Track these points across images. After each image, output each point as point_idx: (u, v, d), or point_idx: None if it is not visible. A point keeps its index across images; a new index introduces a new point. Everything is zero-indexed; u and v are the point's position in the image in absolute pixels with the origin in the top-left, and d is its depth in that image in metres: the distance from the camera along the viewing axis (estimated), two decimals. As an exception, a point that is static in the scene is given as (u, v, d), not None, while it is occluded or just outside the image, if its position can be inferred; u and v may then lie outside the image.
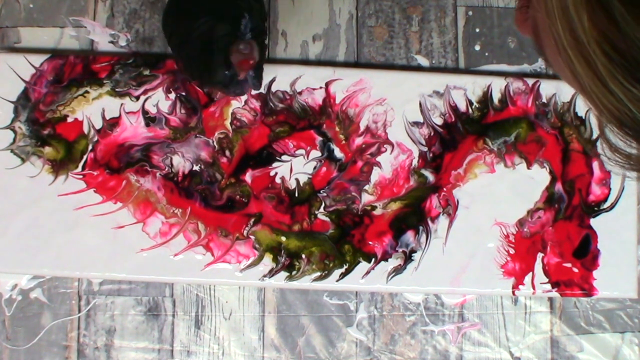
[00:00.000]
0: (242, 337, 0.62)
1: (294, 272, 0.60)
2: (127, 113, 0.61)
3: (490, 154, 0.62)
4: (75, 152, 0.61)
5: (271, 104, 0.62)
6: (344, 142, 0.62)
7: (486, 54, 0.66)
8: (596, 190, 0.62)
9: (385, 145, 0.62)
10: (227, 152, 0.61)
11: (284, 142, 0.62)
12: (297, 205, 0.61)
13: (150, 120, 0.61)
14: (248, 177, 0.61)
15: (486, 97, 0.63)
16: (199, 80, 0.55)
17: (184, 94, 0.62)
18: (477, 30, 0.67)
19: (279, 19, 0.65)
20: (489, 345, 0.62)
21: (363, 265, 0.60)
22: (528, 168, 0.62)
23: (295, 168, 0.61)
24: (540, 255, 0.61)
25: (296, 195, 0.61)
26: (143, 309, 0.62)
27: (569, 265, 0.61)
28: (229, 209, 0.60)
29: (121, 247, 0.59)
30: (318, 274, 0.60)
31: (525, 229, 0.61)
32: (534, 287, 0.60)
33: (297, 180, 0.61)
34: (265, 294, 0.62)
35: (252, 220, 0.60)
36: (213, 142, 0.61)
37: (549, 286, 0.60)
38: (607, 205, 0.62)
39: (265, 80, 0.62)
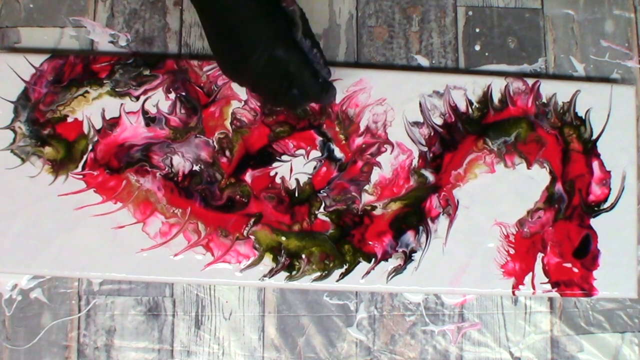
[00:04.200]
0: (242, 337, 0.62)
1: (294, 272, 0.60)
2: (127, 113, 0.61)
3: (490, 154, 0.62)
4: (75, 152, 0.61)
5: (271, 104, 0.62)
6: (344, 142, 0.62)
7: (486, 54, 0.66)
8: (596, 190, 0.62)
9: (385, 145, 0.62)
10: (227, 152, 0.61)
11: (284, 142, 0.62)
12: (297, 205, 0.61)
13: (150, 120, 0.61)
14: (248, 177, 0.61)
15: (486, 97, 0.63)
16: (288, 106, 0.57)
17: (184, 94, 0.62)
18: (477, 30, 0.67)
19: (279, 19, 0.65)
20: (489, 345, 0.63)
21: (363, 265, 0.60)
22: (528, 168, 0.62)
23: (295, 168, 0.61)
24: (540, 255, 0.61)
25: (296, 195, 0.61)
26: (143, 309, 0.62)
27: (569, 265, 0.61)
28: (229, 209, 0.60)
29: (121, 247, 0.59)
30: (318, 274, 0.60)
31: (525, 229, 0.61)
32: (534, 287, 0.60)
33: (297, 180, 0.61)
34: (265, 294, 0.62)
35: (252, 220, 0.60)
36: (213, 142, 0.61)
37: (549, 286, 0.60)
38: (607, 205, 0.62)
39: (265, 80, 0.62)
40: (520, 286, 0.60)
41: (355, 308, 0.62)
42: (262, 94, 0.55)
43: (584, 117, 0.63)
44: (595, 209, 0.62)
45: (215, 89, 0.62)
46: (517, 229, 0.61)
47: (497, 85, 0.63)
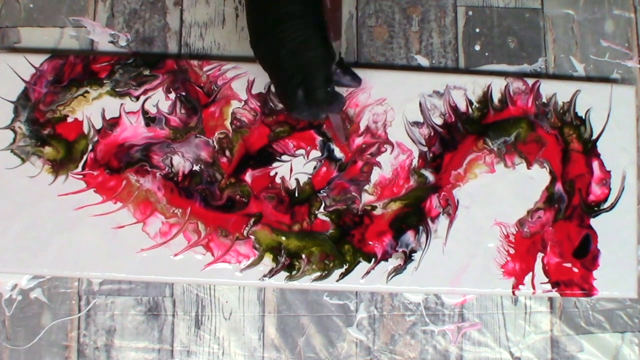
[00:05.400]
0: (242, 337, 0.62)
1: (294, 272, 0.60)
2: (127, 113, 0.61)
3: (490, 154, 0.62)
4: (75, 152, 0.61)
5: (271, 104, 0.62)
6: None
7: (486, 54, 0.66)
8: (596, 190, 0.62)
9: (385, 145, 0.62)
10: (227, 152, 0.61)
11: (284, 142, 0.62)
12: (297, 205, 0.61)
13: (150, 120, 0.61)
14: (248, 177, 0.61)
15: (486, 97, 0.63)
16: (297, 110, 0.51)
17: (184, 94, 0.62)
18: (477, 30, 0.67)
19: (279, 19, 0.65)
20: (489, 345, 0.62)
21: (363, 265, 0.60)
22: (528, 168, 0.62)
23: (295, 168, 0.61)
24: (540, 255, 0.61)
25: (296, 195, 0.61)
26: (143, 309, 0.62)
27: (569, 265, 0.61)
28: (229, 209, 0.60)
29: (121, 247, 0.59)
30: (318, 274, 0.60)
31: (525, 229, 0.61)
32: (534, 287, 0.60)
33: (297, 180, 0.61)
34: (265, 294, 0.62)
35: (252, 220, 0.60)
36: (213, 142, 0.61)
37: (549, 286, 0.60)
38: (607, 205, 0.62)
39: (265, 81, 0.62)
40: (520, 286, 0.60)
41: (355, 308, 0.62)
42: (273, 78, 0.52)
43: (584, 117, 0.63)
44: (595, 209, 0.62)
45: (215, 89, 0.62)
46: (517, 229, 0.61)
47: (497, 85, 0.63)
